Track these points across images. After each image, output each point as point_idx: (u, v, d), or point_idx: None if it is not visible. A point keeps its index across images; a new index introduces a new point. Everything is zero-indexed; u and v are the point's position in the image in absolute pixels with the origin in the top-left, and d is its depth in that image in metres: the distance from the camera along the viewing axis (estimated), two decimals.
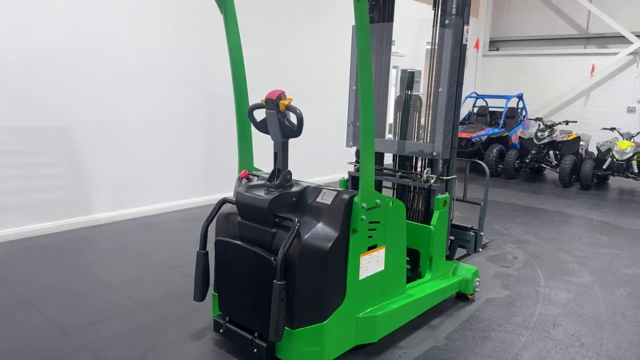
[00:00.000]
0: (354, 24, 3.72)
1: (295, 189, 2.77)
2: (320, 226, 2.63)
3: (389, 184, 3.82)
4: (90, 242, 4.86)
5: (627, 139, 8.36)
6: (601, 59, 10.30)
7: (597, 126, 10.30)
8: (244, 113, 3.20)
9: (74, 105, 5.15)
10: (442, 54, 3.38)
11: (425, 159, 3.65)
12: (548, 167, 9.06)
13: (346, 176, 3.84)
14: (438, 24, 3.44)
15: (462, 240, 3.80)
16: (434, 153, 3.45)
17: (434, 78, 3.51)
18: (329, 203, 2.66)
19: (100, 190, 5.49)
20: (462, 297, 3.75)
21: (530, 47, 11.59)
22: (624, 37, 10.08)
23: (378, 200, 2.76)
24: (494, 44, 12.14)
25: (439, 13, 3.44)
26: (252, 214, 2.74)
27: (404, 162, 3.81)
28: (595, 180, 8.70)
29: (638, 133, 8.41)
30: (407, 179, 3.59)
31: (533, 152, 9.00)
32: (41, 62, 4.87)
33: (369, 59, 2.52)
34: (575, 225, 6.12)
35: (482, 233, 3.79)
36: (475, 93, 10.99)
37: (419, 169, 3.76)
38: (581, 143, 9.02)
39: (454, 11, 3.30)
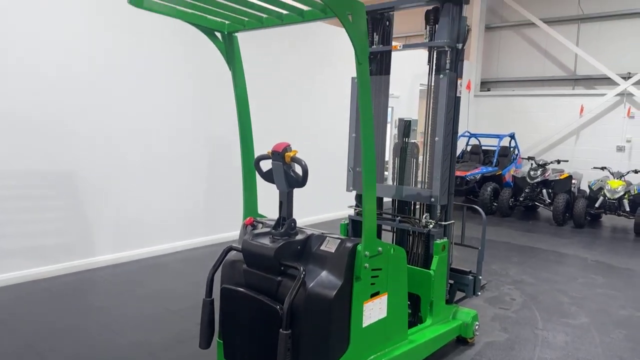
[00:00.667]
0: (353, 75, 3.92)
1: (299, 237, 2.87)
2: (324, 274, 2.71)
3: (389, 227, 3.93)
4: (93, 285, 4.90)
5: (617, 178, 8.56)
6: (589, 100, 10.63)
7: (588, 165, 10.53)
8: (250, 162, 3.32)
9: (78, 149, 5.28)
10: (437, 105, 3.56)
11: (423, 203, 3.77)
12: (541, 205, 9.21)
13: (345, 214, 3.90)
14: (433, 77, 3.63)
15: (461, 284, 3.88)
16: (432, 199, 3.58)
17: (430, 127, 3.67)
18: (333, 251, 2.76)
19: (103, 233, 5.55)
20: (462, 341, 3.80)
21: (520, 87, 11.94)
22: (610, 79, 10.44)
23: (380, 248, 2.85)
24: (485, 85, 12.50)
25: (434, 67, 3.63)
26: (258, 262, 2.83)
27: (403, 206, 3.93)
28: (588, 219, 8.84)
29: (628, 172, 8.61)
30: (407, 224, 3.70)
31: (527, 190, 9.18)
32: (45, 108, 5.03)
33: (370, 115, 2.67)
34: (570, 265, 6.21)
35: (480, 277, 3.87)
36: (469, 132, 11.25)
37: (417, 214, 3.88)
38: (573, 182, 9.21)
39: (447, 66, 3.49)
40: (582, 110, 10.65)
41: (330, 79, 8.25)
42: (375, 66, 3.90)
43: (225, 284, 3.02)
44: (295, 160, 2.82)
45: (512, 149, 10.62)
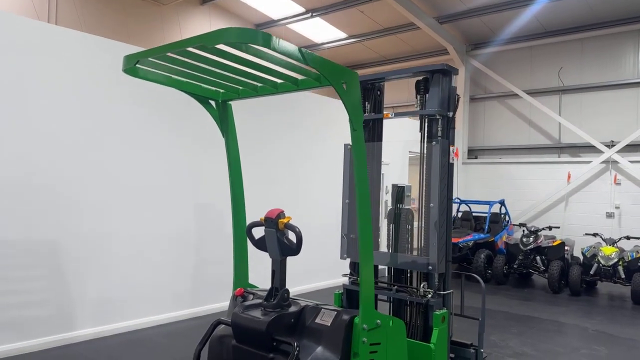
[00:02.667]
0: (346, 142, 3.93)
1: (293, 308, 2.73)
2: (320, 350, 2.56)
3: (384, 297, 3.78)
4: None
5: (610, 245, 8.52)
6: (576, 167, 10.81)
7: (578, 231, 10.53)
8: (241, 229, 3.23)
9: (60, 216, 5.15)
10: (430, 172, 3.54)
11: (420, 272, 3.66)
12: (536, 272, 9.08)
13: (339, 283, 3.74)
14: (425, 144, 3.65)
15: (462, 358, 3.69)
16: (430, 267, 3.47)
17: (424, 193, 3.64)
18: (329, 324, 2.61)
19: (84, 305, 5.30)
20: None
21: (507, 155, 12.16)
22: (594, 146, 10.69)
23: (379, 321, 2.71)
24: (473, 152, 12.72)
25: (425, 135, 3.66)
26: (248, 337, 2.66)
27: (399, 274, 3.81)
28: (584, 286, 8.70)
29: (620, 238, 8.60)
30: (404, 294, 3.56)
31: (520, 257, 9.07)
32: (28, 173, 4.95)
33: (366, 181, 2.63)
34: (571, 335, 6.00)
35: (482, 350, 3.69)
36: (459, 199, 11.29)
37: (414, 282, 3.75)
38: (566, 248, 9.15)
39: (439, 134, 3.52)
40: (569, 177, 10.81)
41: (322, 147, 8.34)
42: (367, 133, 3.93)
43: None
44: (289, 227, 2.74)
45: (502, 215, 10.62)
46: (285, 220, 2.73)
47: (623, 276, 8.16)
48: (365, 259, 2.62)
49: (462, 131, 12.46)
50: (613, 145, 10.45)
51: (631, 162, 10.15)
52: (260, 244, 2.88)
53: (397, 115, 3.66)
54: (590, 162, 10.62)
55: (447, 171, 3.54)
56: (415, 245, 3.77)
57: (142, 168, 5.81)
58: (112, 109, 5.53)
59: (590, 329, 6.31)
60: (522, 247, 9.05)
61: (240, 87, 3.04)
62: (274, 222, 2.73)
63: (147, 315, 5.84)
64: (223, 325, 2.90)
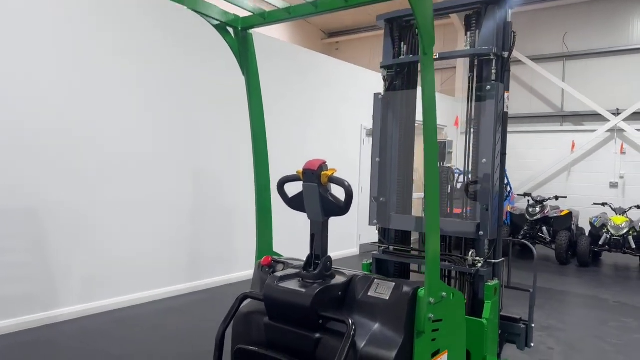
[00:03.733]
0: (375, 92, 3.40)
1: (339, 279, 2.23)
2: (377, 329, 2.07)
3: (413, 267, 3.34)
4: (53, 345, 4.05)
5: (620, 214, 8.24)
6: (580, 136, 10.47)
7: (580, 201, 10.26)
8: (264, 186, 2.71)
9: (42, 185, 4.53)
10: (480, 122, 3.05)
11: (464, 239, 3.21)
12: (542, 243, 8.78)
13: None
14: (474, 89, 3.14)
15: (511, 334, 3.27)
16: (480, 233, 3.01)
17: (471, 148, 3.16)
18: (387, 298, 2.12)
19: (69, 279, 4.73)
20: None
21: (508, 124, 11.75)
22: (598, 114, 10.35)
23: (444, 293, 2.24)
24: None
25: (475, 79, 3.15)
26: (287, 314, 2.16)
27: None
28: (591, 257, 8.44)
29: (631, 208, 8.32)
30: (448, 263, 3.10)
31: (526, 228, 8.75)
32: (4, 130, 4.30)
33: (434, 125, 2.12)
34: (594, 307, 5.68)
35: (533, 325, 3.28)
36: (458, 169, 10.89)
37: (454, 250, 3.30)
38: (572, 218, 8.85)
39: (493, 77, 3.01)
40: (573, 146, 10.47)
41: (334, 103, 7.77)
42: (402, 80, 3.40)
43: (239, 343, 2.33)
44: (334, 180, 2.22)
45: (504, 185, 10.27)
46: (329, 173, 2.20)
47: (634, 246, 7.90)
48: (432, 221, 2.14)
49: (462, 99, 11.99)
50: (619, 114, 10.12)
51: (638, 130, 9.84)
52: (295, 203, 2.36)
53: (443, 56, 3.12)
54: (595, 130, 10.29)
55: (503, 121, 3.05)
56: (459, 208, 3.30)
57: (131, 130, 5.17)
58: (97, 61, 4.86)
59: (610, 300, 6.01)
60: (528, 217, 8.71)
61: (267, 10, 2.47)
62: (316, 175, 2.20)
63: (139, 291, 5.30)
64: (251, 301, 2.40)
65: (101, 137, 4.92)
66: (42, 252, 4.52)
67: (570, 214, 8.68)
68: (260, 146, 2.68)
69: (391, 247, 3.38)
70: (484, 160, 3.00)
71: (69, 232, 4.70)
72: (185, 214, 5.76)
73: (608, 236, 8.07)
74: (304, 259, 2.33)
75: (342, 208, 2.19)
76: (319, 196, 2.21)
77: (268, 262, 2.54)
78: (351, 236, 8.50)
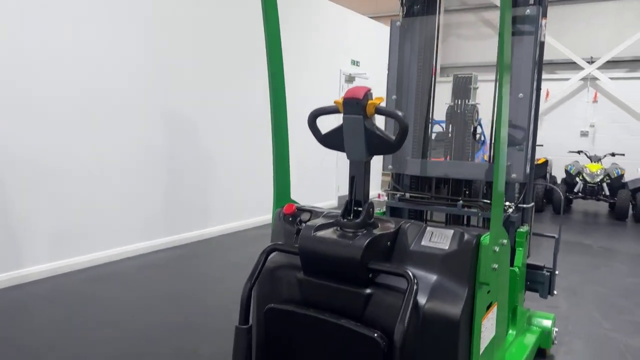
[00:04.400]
0: (393, 18, 3.03)
1: (385, 228, 1.92)
2: (437, 282, 1.80)
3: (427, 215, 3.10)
4: (23, 308, 3.61)
5: (595, 162, 8.32)
6: (554, 85, 10.43)
7: (552, 150, 10.34)
8: (282, 125, 2.33)
9: (1, 128, 3.94)
10: (516, 53, 2.75)
11: (482, 183, 2.97)
12: None
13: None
14: (506, 15, 2.80)
15: (534, 282, 3.11)
16: (512, 175, 2.77)
17: (503, 83, 2.86)
18: (447, 248, 1.84)
19: (37, 236, 4.23)
20: (539, 353, 3.02)
21: (481, 72, 11.55)
22: (572, 62, 10.29)
23: (504, 240, 1.99)
24: (445, 71, 12.06)
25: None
26: (329, 269, 1.85)
27: (458, 187, 3.09)
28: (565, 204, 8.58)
29: (605, 155, 8.41)
30: (474, 209, 2.86)
31: None
32: None
33: (509, 54, 1.79)
34: (581, 253, 5.71)
35: (557, 272, 3.13)
36: (433, 119, 10.70)
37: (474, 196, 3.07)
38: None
39: (531, 0, 2.69)
40: (547, 94, 10.45)
41: (309, 47, 7.26)
42: (422, 4, 3.03)
43: (266, 302, 2.01)
44: (382, 111, 1.87)
45: (479, 135, 10.19)
46: (376, 102, 1.85)
47: (607, 193, 8.04)
48: (499, 161, 1.85)
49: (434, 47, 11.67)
50: (593, 62, 10.10)
51: (611, 79, 9.88)
52: (330, 140, 1.99)
53: None
54: (569, 79, 10.27)
55: (541, 51, 2.76)
56: (484, 150, 3.04)
57: (98, 69, 4.57)
58: None
59: (594, 246, 6.07)
60: None
61: None
62: (361, 104, 1.84)
63: (113, 247, 4.86)
64: (278, 254, 2.07)
65: (65, 76, 4.31)
66: (3, 205, 3.99)
67: (546, 162, 8.71)
68: (277, 83, 2.28)
69: (407, 195, 3.11)
70: (521, 95, 2.73)
71: (31, 183, 4.16)
72: (160, 163, 5.28)
73: (583, 183, 8.16)
74: (325, 208, 2.01)
75: (392, 144, 1.85)
76: (364, 130, 1.86)
77: (292, 211, 2.20)
78: (329, 187, 8.24)
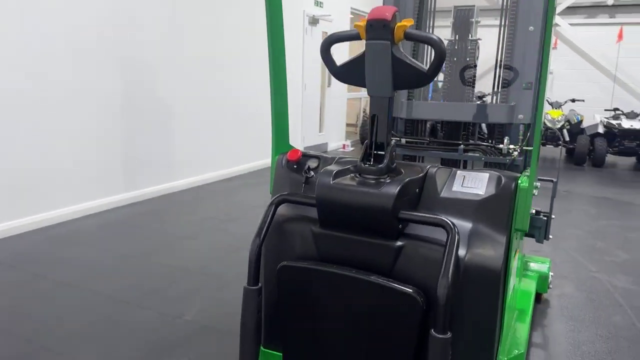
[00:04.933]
0: None
1: (410, 173, 1.70)
2: (474, 231, 1.62)
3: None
4: None
5: (556, 108, 8.43)
6: None
7: None
8: (280, 71, 2.02)
9: None
10: None
11: (493, 126, 2.82)
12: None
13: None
14: None
15: (532, 227, 3.03)
16: (519, 116, 2.61)
17: (507, 14, 2.65)
18: (483, 193, 1.66)
19: None
20: (536, 298, 2.99)
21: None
22: None
23: (538, 184, 1.83)
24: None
25: None
26: (353, 220, 1.63)
27: (455, 131, 2.92)
28: None
29: (566, 101, 8.53)
30: (477, 153, 2.70)
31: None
32: None
33: None
34: (548, 197, 5.78)
35: (553, 217, 3.06)
36: None
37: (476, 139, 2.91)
38: None
39: None
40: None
41: None
42: None
43: (280, 259, 1.78)
44: (414, 37, 1.61)
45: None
46: (406, 25, 1.58)
47: (567, 139, 8.21)
48: (540, 106, 1.67)
49: None
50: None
51: (571, 25, 9.92)
52: (347, 73, 1.72)
53: None
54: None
55: None
56: (484, 88, 2.86)
57: (42, 5, 3.98)
58: None
59: (560, 190, 6.18)
60: None
61: None
62: (388, 28, 1.57)
63: (70, 204, 4.44)
64: (288, 205, 1.82)
65: (14, 20, 3.73)
66: None
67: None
68: (275, 25, 1.96)
69: (403, 140, 2.90)
70: (531, 28, 2.52)
71: None
72: (119, 114, 4.80)
73: (543, 129, 8.28)
74: (328, 154, 1.78)
75: (425, 74, 1.60)
76: (391, 59, 1.60)
77: (297, 157, 1.94)
78: (293, 138, 7.94)
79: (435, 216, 1.54)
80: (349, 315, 1.62)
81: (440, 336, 1.40)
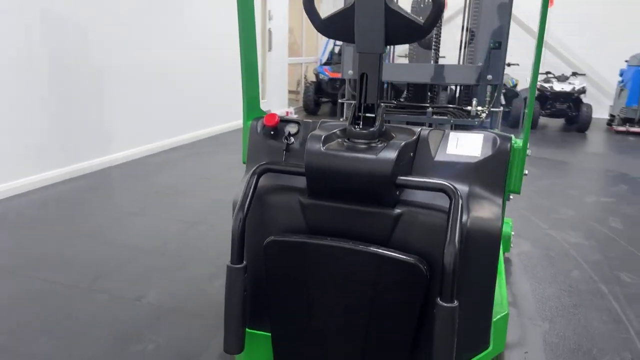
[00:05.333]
0: None
1: (403, 136, 1.61)
2: (471, 194, 1.57)
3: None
4: None
5: None
6: None
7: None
8: (250, 35, 1.84)
9: None
10: None
11: (459, 87, 2.79)
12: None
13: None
14: None
15: None
16: (488, 77, 2.58)
17: None
18: (479, 155, 1.59)
19: None
20: None
21: None
22: None
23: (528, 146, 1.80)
24: None
25: None
26: (348, 189, 1.52)
27: (422, 93, 2.87)
28: None
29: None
30: (445, 116, 2.66)
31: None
32: None
33: None
34: None
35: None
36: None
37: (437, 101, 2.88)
38: None
39: None
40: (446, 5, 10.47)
41: None
42: None
43: (264, 234, 1.64)
44: None
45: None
46: None
47: (503, 102, 8.49)
48: (536, 67, 1.61)
49: None
50: None
51: None
52: (334, 26, 1.57)
53: None
54: None
55: None
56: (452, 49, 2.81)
57: None
58: None
59: None
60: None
61: None
62: None
63: (1, 182, 4.01)
64: (272, 175, 1.67)
65: None
66: None
67: None
68: None
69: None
70: None
71: None
72: (45, 81, 4.33)
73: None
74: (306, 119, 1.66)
75: (421, 28, 1.49)
76: (384, 10, 1.47)
77: (275, 122, 1.78)
78: (235, 105, 7.61)
79: (437, 181, 1.46)
80: (346, 289, 1.52)
81: (448, 305, 1.35)
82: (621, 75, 8.48)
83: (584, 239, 3.46)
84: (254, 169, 1.60)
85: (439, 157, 1.61)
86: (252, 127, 1.83)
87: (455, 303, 1.35)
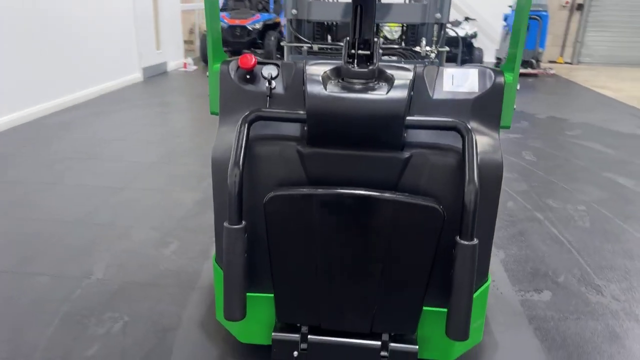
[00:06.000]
0: None
1: (400, 73, 1.53)
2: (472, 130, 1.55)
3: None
4: None
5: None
6: None
7: None
8: None
9: None
10: None
11: (406, 27, 2.74)
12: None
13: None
14: None
15: None
16: (437, 15, 2.56)
17: None
18: (477, 90, 1.57)
19: None
20: None
21: None
22: None
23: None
24: None
25: None
26: (354, 134, 1.42)
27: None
28: None
29: None
30: (395, 57, 2.62)
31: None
32: None
33: None
34: None
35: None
36: None
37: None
38: None
39: None
40: None
41: None
42: None
43: (261, 188, 1.49)
44: None
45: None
46: None
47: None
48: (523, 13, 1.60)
49: None
50: None
51: None
52: None
53: None
54: None
55: None
56: None
57: None
58: None
59: None
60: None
61: None
62: None
63: None
64: (264, 123, 1.50)
65: None
66: None
67: None
68: None
69: (315, 47, 2.66)
70: None
71: None
72: None
73: (384, 40, 8.63)
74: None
75: None
76: None
77: (252, 65, 1.59)
78: (129, 57, 6.92)
79: (447, 119, 1.42)
80: (359, 239, 1.45)
81: (468, 243, 1.34)
82: (505, 20, 9.07)
83: (507, 172, 3.71)
84: (244, 116, 1.43)
85: (437, 95, 1.56)
86: (223, 72, 1.62)
87: (476, 241, 1.35)
